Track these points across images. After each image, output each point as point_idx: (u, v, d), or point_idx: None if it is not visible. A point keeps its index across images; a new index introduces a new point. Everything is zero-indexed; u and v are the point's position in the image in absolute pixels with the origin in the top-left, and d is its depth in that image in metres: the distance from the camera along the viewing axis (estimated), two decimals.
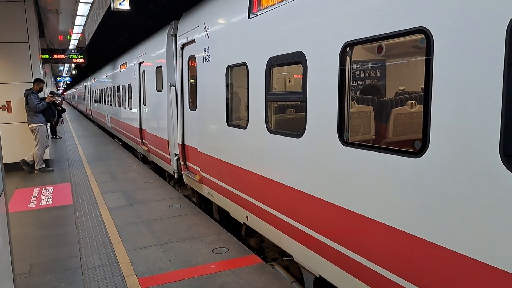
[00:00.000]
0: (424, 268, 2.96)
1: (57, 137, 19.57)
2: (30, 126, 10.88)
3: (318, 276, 4.35)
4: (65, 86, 68.95)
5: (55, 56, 16.97)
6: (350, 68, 3.66)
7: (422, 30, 2.87)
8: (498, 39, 2.36)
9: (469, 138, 2.58)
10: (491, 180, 2.46)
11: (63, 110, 21.45)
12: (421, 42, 2.91)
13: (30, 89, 10.82)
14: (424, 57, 2.90)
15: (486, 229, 2.50)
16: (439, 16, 2.74)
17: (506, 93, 2.35)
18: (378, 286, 3.42)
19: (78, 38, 16.92)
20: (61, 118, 19.75)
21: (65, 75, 45.01)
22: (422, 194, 2.94)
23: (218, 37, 6.39)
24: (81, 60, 17.77)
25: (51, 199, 8.42)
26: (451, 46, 2.67)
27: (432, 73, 2.81)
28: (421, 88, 4.87)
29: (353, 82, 4.40)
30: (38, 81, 11.07)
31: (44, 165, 11.24)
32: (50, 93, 14.87)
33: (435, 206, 2.84)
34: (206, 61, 6.80)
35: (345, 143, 3.65)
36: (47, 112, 11.12)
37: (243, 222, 5.99)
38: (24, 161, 11.09)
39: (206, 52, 6.79)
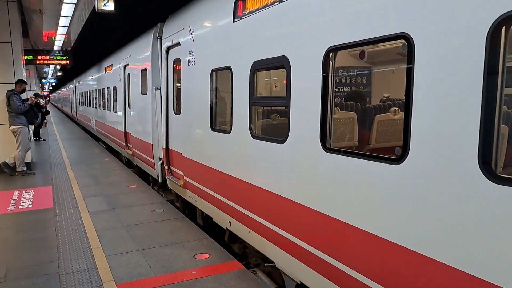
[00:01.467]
0: (405, 276, 2.94)
1: (41, 139, 19.26)
2: (11, 127, 10.68)
3: (299, 283, 4.31)
4: (51, 88, 68.12)
5: (39, 57, 16.74)
6: (334, 73, 3.65)
7: (404, 36, 2.86)
8: (478, 47, 2.36)
9: (448, 145, 2.58)
10: (469, 187, 2.45)
11: (47, 113, 21.15)
12: (403, 48, 2.90)
13: (12, 90, 10.63)
14: (406, 64, 2.90)
15: (465, 237, 2.49)
16: (421, 22, 2.74)
17: (485, 101, 2.35)
18: None
19: (63, 39, 16.72)
20: (45, 121, 19.44)
21: (50, 76, 44.45)
22: (402, 201, 2.92)
23: (203, 40, 6.34)
24: (66, 61, 17.55)
25: (31, 203, 8.25)
26: (432, 52, 2.67)
27: (413, 79, 2.81)
28: (404, 95, 4.90)
29: (336, 88, 4.39)
30: (20, 82, 10.88)
31: (25, 168, 11.04)
32: (34, 94, 14.62)
33: (415, 213, 2.83)
34: (191, 64, 6.75)
35: (328, 149, 3.63)
36: (29, 114, 10.93)
37: (226, 228, 5.93)
38: (5, 164, 10.88)
39: (191, 55, 6.74)
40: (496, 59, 2.31)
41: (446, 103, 2.58)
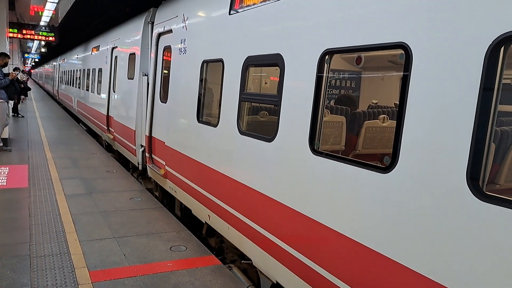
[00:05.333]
0: (384, 285, 2.95)
1: (19, 116, 18.78)
2: None
3: (275, 282, 4.29)
4: (33, 63, 66.58)
5: (24, 31, 16.29)
6: (328, 76, 3.62)
7: (402, 46, 2.85)
8: (477, 63, 2.35)
9: (438, 158, 2.57)
10: (455, 202, 2.45)
11: (28, 89, 20.61)
12: (400, 57, 2.89)
13: None
14: (402, 73, 2.88)
15: (448, 251, 2.50)
16: (421, 33, 2.73)
17: (479, 117, 2.35)
18: None
19: (51, 15, 16.29)
20: (22, 96, 18.92)
21: (34, 52, 43.42)
22: (387, 210, 2.92)
23: (196, 30, 6.24)
24: (52, 38, 17.13)
25: (5, 180, 8.03)
26: (430, 64, 2.66)
27: (408, 89, 2.79)
28: (395, 103, 4.91)
29: (328, 91, 4.37)
30: (3, 55, 10.56)
31: (1, 144, 10.74)
32: (14, 69, 14.21)
33: (398, 224, 2.83)
34: (182, 53, 6.64)
35: (315, 152, 3.60)
36: (10, 89, 10.61)
37: (205, 222, 5.88)
38: None
39: (182, 44, 6.63)
40: (493, 77, 2.31)
41: (439, 116, 2.58)
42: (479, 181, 2.38)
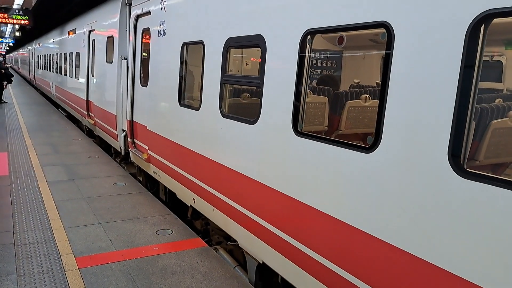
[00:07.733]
0: (365, 262, 3.02)
1: (3, 102, 18.34)
2: None
3: (261, 262, 4.35)
4: (7, 48, 64.63)
5: None
6: (310, 56, 3.61)
7: (384, 25, 2.85)
8: (458, 41, 2.38)
9: (421, 136, 2.62)
10: (437, 179, 2.50)
11: (11, 75, 20.13)
12: (382, 36, 2.90)
13: None
14: (384, 52, 2.90)
15: (431, 228, 2.56)
16: (402, 12, 2.74)
17: (460, 94, 2.39)
18: (320, 276, 3.46)
19: None
20: (5, 82, 18.49)
21: (8, 36, 42.14)
22: (370, 189, 2.97)
23: (175, 12, 6.13)
24: (26, 22, 16.61)
25: None
26: (412, 43, 2.68)
27: (390, 68, 2.81)
28: (376, 82, 4.94)
29: (311, 71, 4.36)
30: None
31: None
32: None
33: (381, 202, 2.88)
34: (161, 35, 6.54)
35: (298, 133, 3.62)
36: None
37: (190, 205, 5.89)
38: None
39: (161, 26, 6.52)
40: (473, 55, 2.34)
41: (421, 94, 2.61)
42: (460, 158, 2.43)
